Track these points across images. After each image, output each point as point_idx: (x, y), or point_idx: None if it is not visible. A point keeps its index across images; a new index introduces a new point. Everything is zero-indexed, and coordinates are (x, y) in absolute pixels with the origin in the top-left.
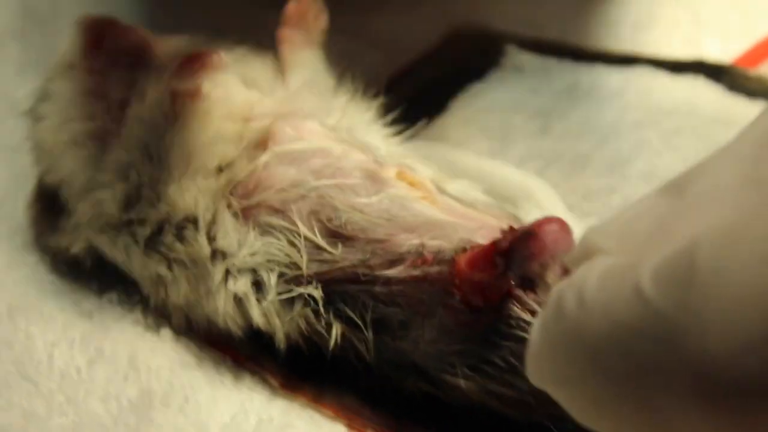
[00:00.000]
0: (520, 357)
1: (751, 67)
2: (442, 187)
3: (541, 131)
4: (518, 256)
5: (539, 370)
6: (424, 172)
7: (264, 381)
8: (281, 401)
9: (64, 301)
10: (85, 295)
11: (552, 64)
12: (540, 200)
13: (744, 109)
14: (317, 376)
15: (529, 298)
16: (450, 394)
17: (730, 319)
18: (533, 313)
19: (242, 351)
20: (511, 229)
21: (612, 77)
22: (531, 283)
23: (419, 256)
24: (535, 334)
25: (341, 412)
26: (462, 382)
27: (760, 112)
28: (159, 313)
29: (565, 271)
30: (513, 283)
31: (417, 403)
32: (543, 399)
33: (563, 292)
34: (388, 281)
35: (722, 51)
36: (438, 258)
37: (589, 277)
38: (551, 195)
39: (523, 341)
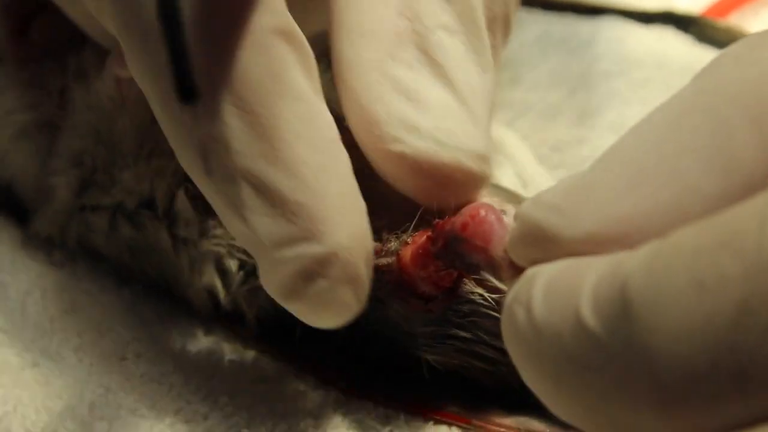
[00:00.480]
0: (486, 329)
1: (719, 17)
2: None
3: (510, 82)
4: (454, 255)
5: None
6: None
7: (236, 334)
8: (251, 353)
9: (35, 250)
10: (56, 245)
11: (522, 14)
12: (510, 152)
13: None
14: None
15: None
16: (416, 366)
17: (676, 352)
18: (493, 289)
19: None
20: (438, 225)
21: (582, 27)
22: (479, 270)
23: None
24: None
25: (308, 362)
26: (429, 357)
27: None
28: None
29: (512, 264)
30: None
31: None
32: (512, 366)
33: (513, 307)
34: None
35: (691, 1)
36: (385, 249)
37: (535, 292)
38: (521, 146)
39: (486, 315)
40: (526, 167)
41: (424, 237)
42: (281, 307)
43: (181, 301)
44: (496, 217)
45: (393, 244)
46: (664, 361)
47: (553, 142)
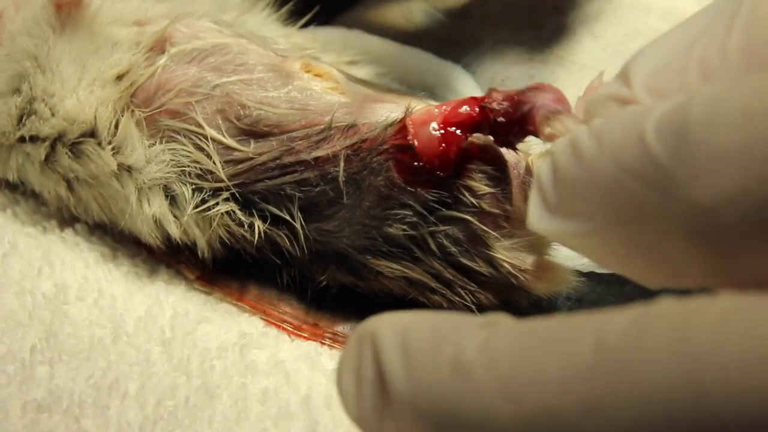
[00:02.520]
0: (457, 241)
1: None
2: (350, 74)
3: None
4: (522, 104)
5: (547, 211)
6: (330, 59)
7: (180, 274)
8: (197, 295)
9: None
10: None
11: None
12: (457, 87)
13: None
14: (235, 270)
15: (476, 181)
16: (371, 283)
17: (714, 172)
18: (476, 194)
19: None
20: (494, 89)
21: None
22: (521, 133)
23: (350, 127)
24: (546, 175)
25: (258, 305)
26: (387, 268)
27: None
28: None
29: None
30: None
31: (332, 297)
32: (468, 289)
33: (579, 133)
34: (317, 160)
35: None
36: (376, 124)
37: (611, 120)
38: (469, 82)
39: (461, 220)
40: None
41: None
42: (235, 233)
43: (123, 241)
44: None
45: (383, 121)
46: (703, 178)
47: (502, 78)
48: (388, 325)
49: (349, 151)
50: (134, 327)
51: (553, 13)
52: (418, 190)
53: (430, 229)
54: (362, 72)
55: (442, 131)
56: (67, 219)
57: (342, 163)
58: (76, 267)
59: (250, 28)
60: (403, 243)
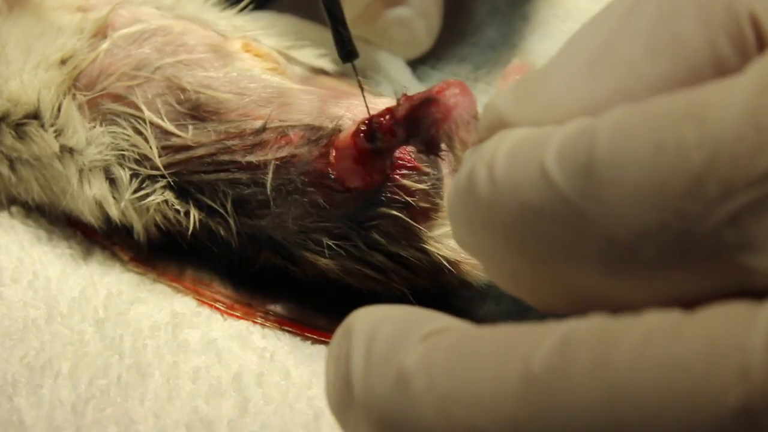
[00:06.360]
0: (388, 234)
1: None
2: (289, 56)
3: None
4: (420, 123)
5: (458, 238)
6: (269, 43)
7: (114, 255)
8: (131, 276)
9: None
10: None
11: None
12: (389, 71)
13: None
14: (171, 252)
15: (407, 180)
16: (305, 270)
17: (628, 207)
18: (408, 192)
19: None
20: (406, 97)
21: None
22: (435, 149)
23: (283, 135)
24: (450, 204)
25: (191, 286)
26: (321, 261)
27: None
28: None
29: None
30: (411, 151)
31: (266, 276)
32: (402, 276)
33: (475, 166)
34: (249, 165)
35: None
36: (306, 138)
37: (499, 151)
38: (400, 65)
39: (391, 216)
40: (405, 87)
41: (381, 111)
42: (171, 219)
43: (59, 223)
44: (470, 95)
45: (315, 132)
46: (618, 215)
47: (433, 60)
48: (362, 323)
49: (278, 163)
50: (68, 308)
51: None
52: (346, 204)
53: (361, 232)
54: (301, 54)
55: (362, 162)
56: (3, 202)
57: (270, 174)
58: (11, 250)
59: (191, 11)
60: (335, 245)
